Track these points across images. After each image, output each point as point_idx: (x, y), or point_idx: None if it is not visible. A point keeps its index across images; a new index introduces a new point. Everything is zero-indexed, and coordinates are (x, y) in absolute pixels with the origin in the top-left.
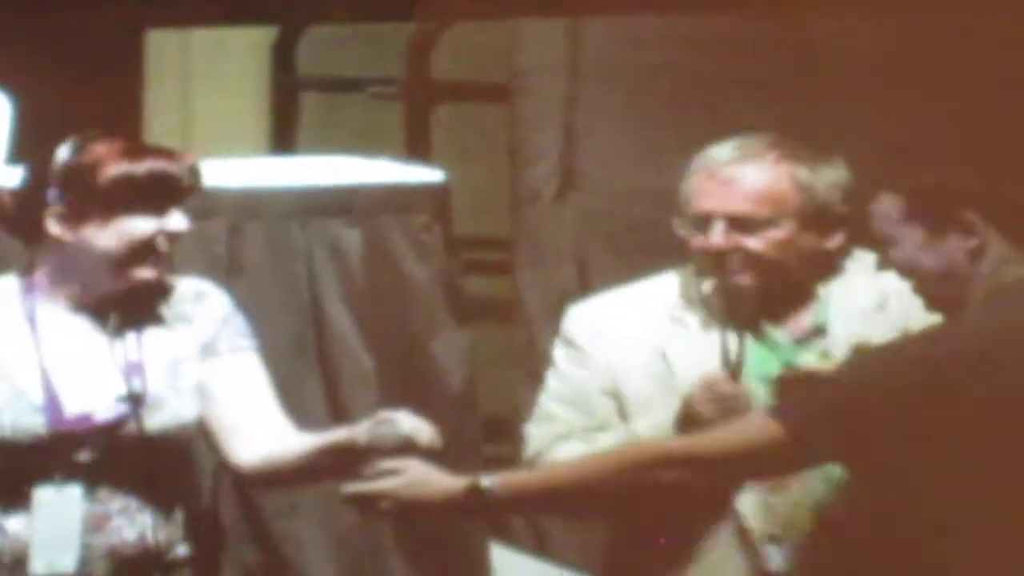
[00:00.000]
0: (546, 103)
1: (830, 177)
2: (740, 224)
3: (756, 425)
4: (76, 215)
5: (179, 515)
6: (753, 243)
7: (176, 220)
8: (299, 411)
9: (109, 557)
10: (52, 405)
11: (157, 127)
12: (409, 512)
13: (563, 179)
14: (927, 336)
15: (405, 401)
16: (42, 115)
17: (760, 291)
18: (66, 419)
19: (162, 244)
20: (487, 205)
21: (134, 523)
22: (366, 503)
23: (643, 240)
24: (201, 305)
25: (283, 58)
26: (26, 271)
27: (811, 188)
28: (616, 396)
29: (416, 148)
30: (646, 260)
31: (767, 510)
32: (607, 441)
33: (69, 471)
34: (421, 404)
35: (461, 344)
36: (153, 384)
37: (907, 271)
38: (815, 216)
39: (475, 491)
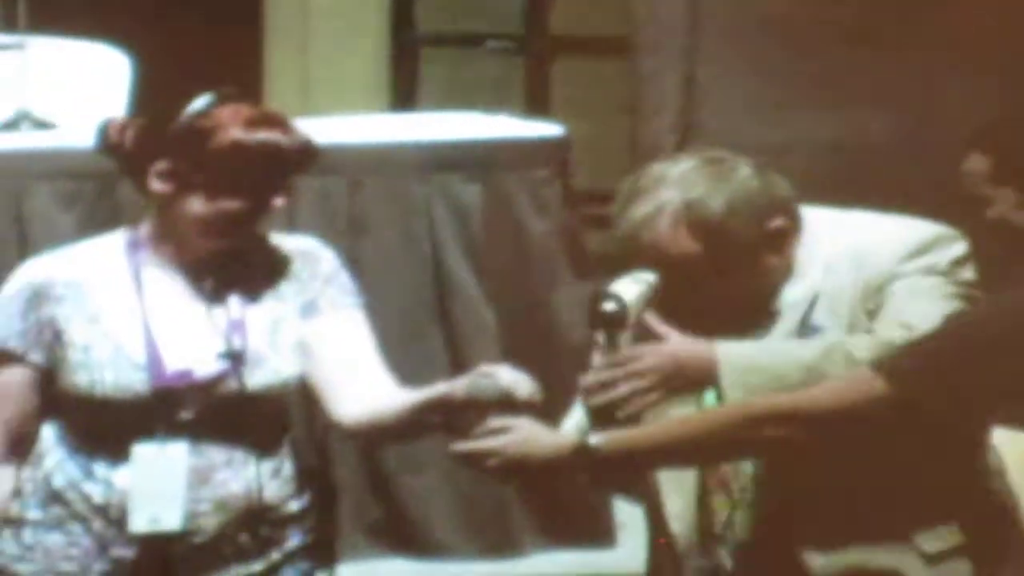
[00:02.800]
0: (665, 57)
1: (744, 199)
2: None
3: (861, 382)
4: (182, 175)
5: (288, 469)
6: (683, 286)
7: (274, 200)
8: (421, 365)
9: (218, 510)
10: (154, 363)
11: (277, 85)
12: (518, 470)
13: (683, 132)
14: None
15: (526, 354)
16: (162, 74)
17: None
18: (167, 376)
19: (256, 219)
20: (607, 159)
21: (239, 475)
22: (475, 460)
23: None
24: (306, 263)
25: (403, 14)
26: (134, 226)
27: (723, 229)
28: None
29: (536, 103)
30: None
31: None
32: None
33: (171, 428)
34: (541, 357)
35: (581, 298)
36: (254, 342)
37: (1001, 230)
38: (734, 251)
39: (584, 449)
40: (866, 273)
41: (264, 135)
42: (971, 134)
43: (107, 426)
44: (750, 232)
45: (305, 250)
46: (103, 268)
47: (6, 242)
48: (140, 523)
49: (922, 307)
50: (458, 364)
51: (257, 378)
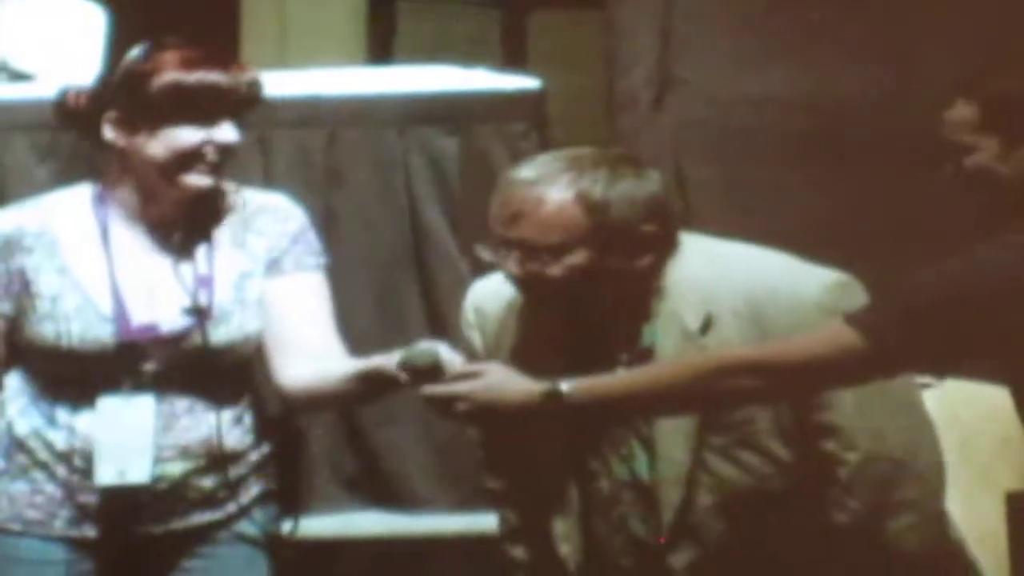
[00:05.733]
0: (642, 9)
1: (630, 195)
2: (534, 252)
3: (832, 332)
4: (129, 121)
5: (249, 419)
6: (552, 270)
7: (224, 131)
8: (396, 317)
9: (181, 457)
10: (120, 316)
11: (254, 37)
12: (486, 415)
13: (660, 86)
14: (997, 242)
15: None
16: (139, 26)
17: (570, 316)
18: (133, 330)
19: (211, 154)
20: (584, 113)
21: (200, 423)
22: (444, 405)
23: (740, 147)
24: (275, 220)
25: None
26: (96, 179)
27: (605, 210)
28: None
29: (512, 56)
30: (743, 167)
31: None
32: None
33: (136, 381)
34: None
35: None
36: (220, 297)
37: (981, 180)
38: (614, 238)
39: (554, 395)
40: (766, 327)
41: (202, 74)
42: (957, 81)
43: (72, 376)
44: (628, 224)
45: (275, 206)
46: (72, 220)
47: None
48: (107, 476)
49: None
50: (434, 316)
51: (221, 334)
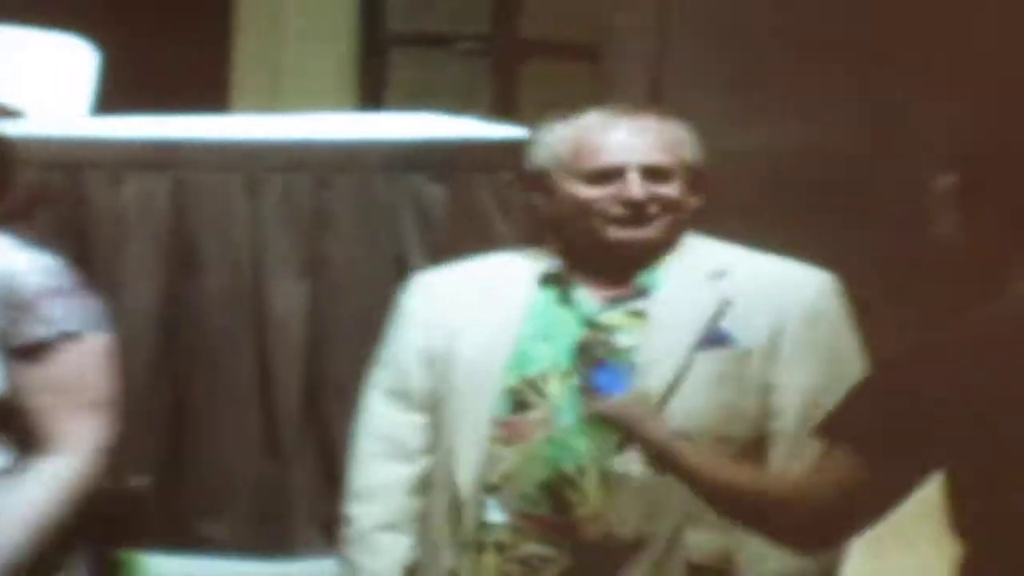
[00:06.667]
0: (633, 61)
1: (695, 138)
2: (652, 175)
3: (830, 464)
4: None
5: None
6: (666, 191)
7: None
8: None
9: None
10: None
11: (246, 81)
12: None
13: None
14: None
15: None
16: (130, 69)
17: (655, 247)
18: None
19: None
20: None
21: None
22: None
23: (730, 202)
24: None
25: (372, 13)
26: None
27: (694, 144)
28: (429, 363)
29: (503, 106)
30: (728, 221)
31: (491, 461)
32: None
33: None
34: None
35: None
36: None
37: (946, 250)
38: (695, 172)
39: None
40: (791, 299)
41: None
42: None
43: None
44: (698, 164)
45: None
46: None
47: None
48: None
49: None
50: None
51: None
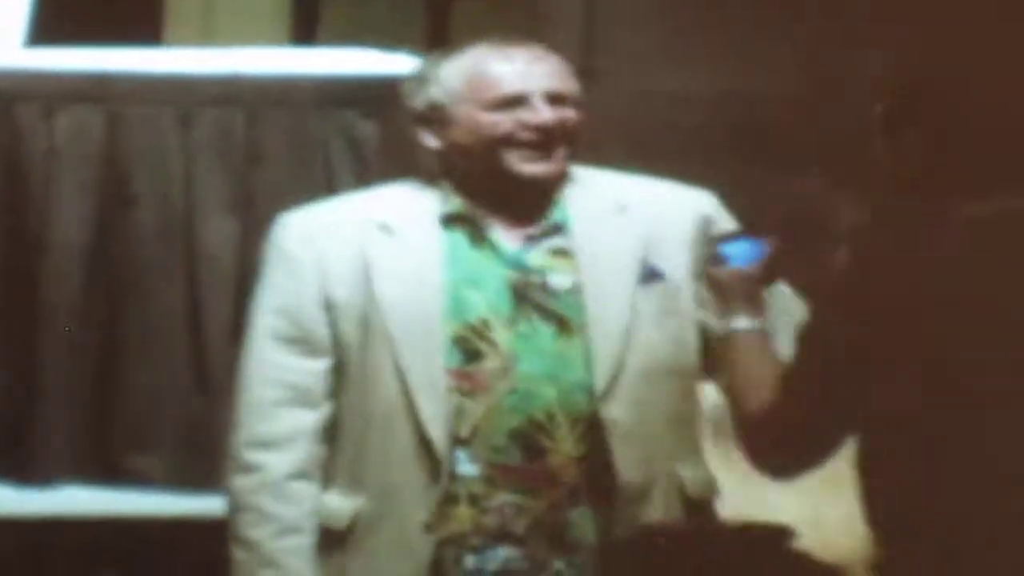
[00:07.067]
0: (568, 1)
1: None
2: (553, 101)
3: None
4: None
5: None
6: (569, 115)
7: None
8: None
9: None
10: None
11: (178, 14)
12: None
13: (583, 77)
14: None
15: None
16: (62, 2)
17: (560, 180)
18: None
19: None
20: None
21: None
22: None
23: (661, 141)
24: None
25: None
26: None
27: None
28: (328, 308)
29: (436, 42)
30: (663, 162)
31: (457, 413)
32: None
33: None
34: None
35: None
36: None
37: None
38: (581, 106)
39: None
40: (667, 217)
41: None
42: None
43: None
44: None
45: None
46: None
47: None
48: None
49: None
50: None
51: None
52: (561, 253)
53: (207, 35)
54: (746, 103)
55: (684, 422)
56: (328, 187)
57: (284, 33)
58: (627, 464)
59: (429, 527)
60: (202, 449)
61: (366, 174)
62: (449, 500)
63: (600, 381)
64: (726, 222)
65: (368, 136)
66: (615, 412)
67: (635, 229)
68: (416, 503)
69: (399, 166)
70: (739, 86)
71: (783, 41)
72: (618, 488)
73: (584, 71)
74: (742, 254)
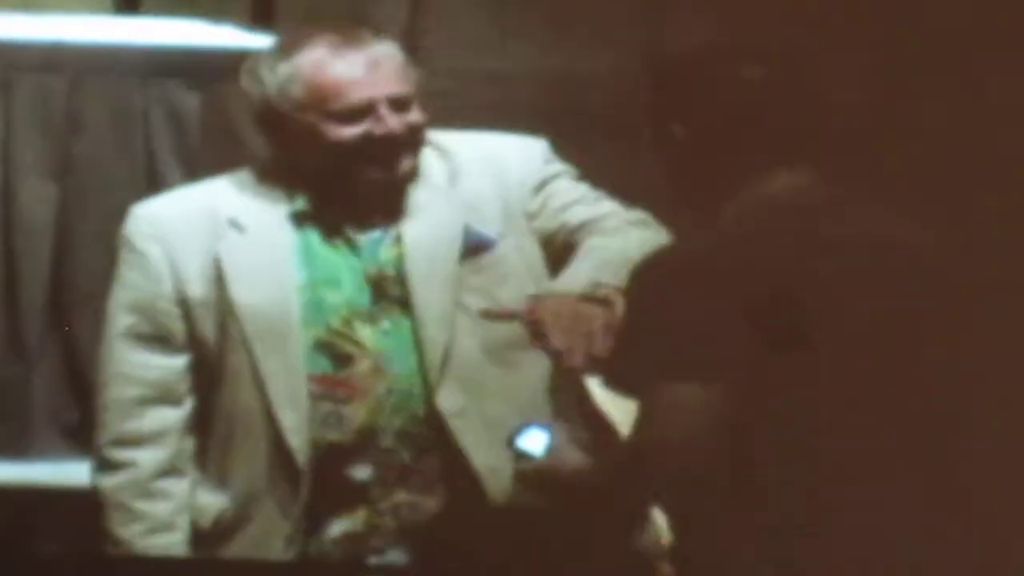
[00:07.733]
0: None
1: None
2: (398, 105)
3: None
4: None
5: None
6: (414, 118)
7: None
8: None
9: None
10: None
11: None
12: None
13: (409, 56)
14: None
15: None
16: None
17: (411, 179)
18: None
19: None
20: None
21: None
22: None
23: (485, 123)
24: None
25: None
26: None
27: (409, 64)
28: (183, 304)
29: (261, 15)
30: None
31: (335, 420)
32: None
33: None
34: None
35: None
36: None
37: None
38: (420, 92)
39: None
40: (513, 177)
41: None
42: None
43: None
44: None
45: None
46: None
47: None
48: None
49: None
50: None
51: None
52: (399, 241)
53: (29, 2)
54: (570, 83)
55: (545, 388)
56: (148, 157)
57: (107, 2)
58: (478, 451)
59: (290, 540)
60: (15, 416)
61: (187, 145)
62: (344, 504)
63: (431, 371)
64: (558, 164)
65: (190, 108)
66: (447, 402)
67: (462, 196)
68: (276, 514)
69: (220, 139)
70: (563, 67)
71: (609, 21)
72: (480, 475)
73: (407, 48)
74: (538, 444)
